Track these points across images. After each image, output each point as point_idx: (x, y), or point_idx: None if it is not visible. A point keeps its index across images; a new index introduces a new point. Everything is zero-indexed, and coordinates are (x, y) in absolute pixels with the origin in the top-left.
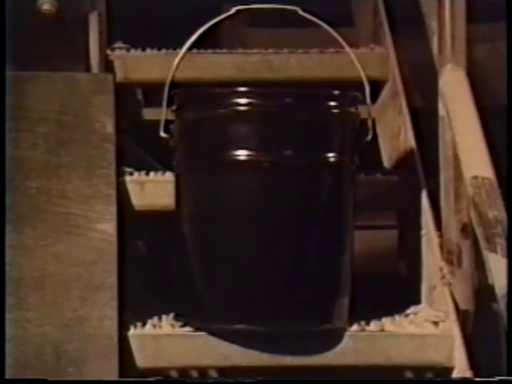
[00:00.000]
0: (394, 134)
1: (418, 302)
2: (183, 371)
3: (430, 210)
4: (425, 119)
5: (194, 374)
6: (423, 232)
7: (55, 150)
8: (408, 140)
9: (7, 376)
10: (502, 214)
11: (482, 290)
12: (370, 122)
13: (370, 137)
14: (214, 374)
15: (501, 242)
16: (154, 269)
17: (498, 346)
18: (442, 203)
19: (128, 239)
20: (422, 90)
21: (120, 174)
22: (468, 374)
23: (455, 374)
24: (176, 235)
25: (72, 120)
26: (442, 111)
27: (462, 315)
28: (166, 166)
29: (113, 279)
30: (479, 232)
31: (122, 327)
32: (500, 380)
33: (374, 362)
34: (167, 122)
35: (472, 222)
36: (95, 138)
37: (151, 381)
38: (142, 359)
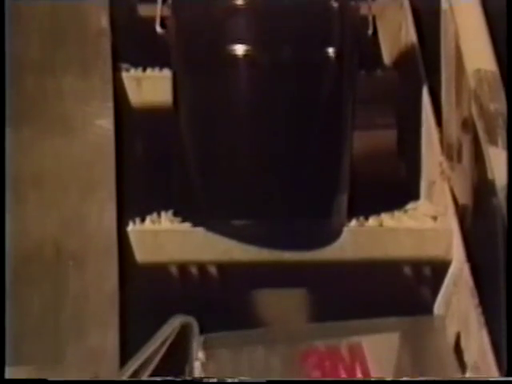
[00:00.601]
0: (395, 30)
1: (417, 198)
2: (182, 266)
3: (430, 105)
4: (426, 19)
5: (194, 269)
6: (423, 128)
7: (49, 47)
8: (409, 35)
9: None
10: (504, 107)
11: (481, 186)
12: (370, 17)
13: (370, 32)
14: (213, 269)
15: (502, 134)
16: (152, 168)
17: (495, 239)
18: (443, 98)
19: (126, 139)
20: None
21: (116, 70)
22: (465, 266)
23: (453, 268)
24: (174, 133)
25: (65, 14)
26: (444, 4)
27: (460, 209)
28: (162, 63)
29: (111, 176)
30: (480, 125)
31: (121, 224)
32: None
33: (373, 256)
34: (163, 18)
35: (473, 117)
36: (90, 32)
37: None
38: (141, 254)
